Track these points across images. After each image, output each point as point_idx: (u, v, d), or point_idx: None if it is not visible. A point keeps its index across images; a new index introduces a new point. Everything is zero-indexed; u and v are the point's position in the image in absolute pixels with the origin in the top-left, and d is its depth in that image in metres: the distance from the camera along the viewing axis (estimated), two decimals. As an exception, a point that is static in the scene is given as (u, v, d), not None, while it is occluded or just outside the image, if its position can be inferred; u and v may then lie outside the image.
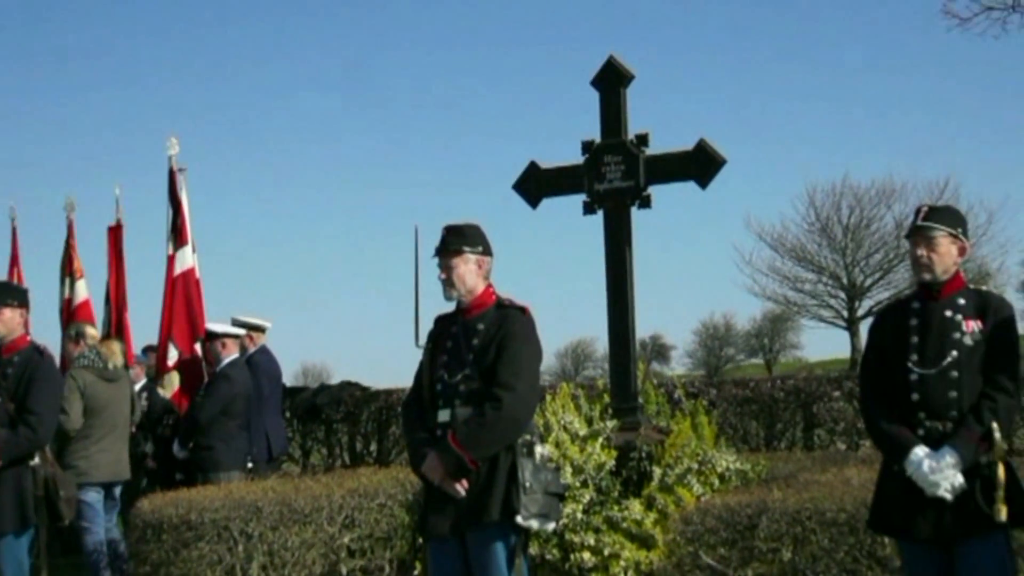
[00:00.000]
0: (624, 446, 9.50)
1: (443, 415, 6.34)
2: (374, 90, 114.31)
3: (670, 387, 12.86)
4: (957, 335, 5.81)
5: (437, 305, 6.69)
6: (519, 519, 6.14)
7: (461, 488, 6.21)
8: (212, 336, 11.62)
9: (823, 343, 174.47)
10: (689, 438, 9.58)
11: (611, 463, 9.32)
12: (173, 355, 13.01)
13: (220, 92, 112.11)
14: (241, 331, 11.89)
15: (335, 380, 19.05)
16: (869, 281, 57.00)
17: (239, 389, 11.33)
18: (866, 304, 55.91)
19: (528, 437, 6.33)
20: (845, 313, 57.50)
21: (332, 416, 16.41)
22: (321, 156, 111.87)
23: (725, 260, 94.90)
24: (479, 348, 6.37)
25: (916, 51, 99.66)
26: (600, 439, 9.51)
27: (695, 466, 9.33)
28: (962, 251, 5.99)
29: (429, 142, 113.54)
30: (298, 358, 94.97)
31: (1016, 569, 5.76)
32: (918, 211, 6.06)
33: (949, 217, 6.04)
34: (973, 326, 5.82)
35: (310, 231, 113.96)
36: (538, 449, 6.40)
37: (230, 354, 11.53)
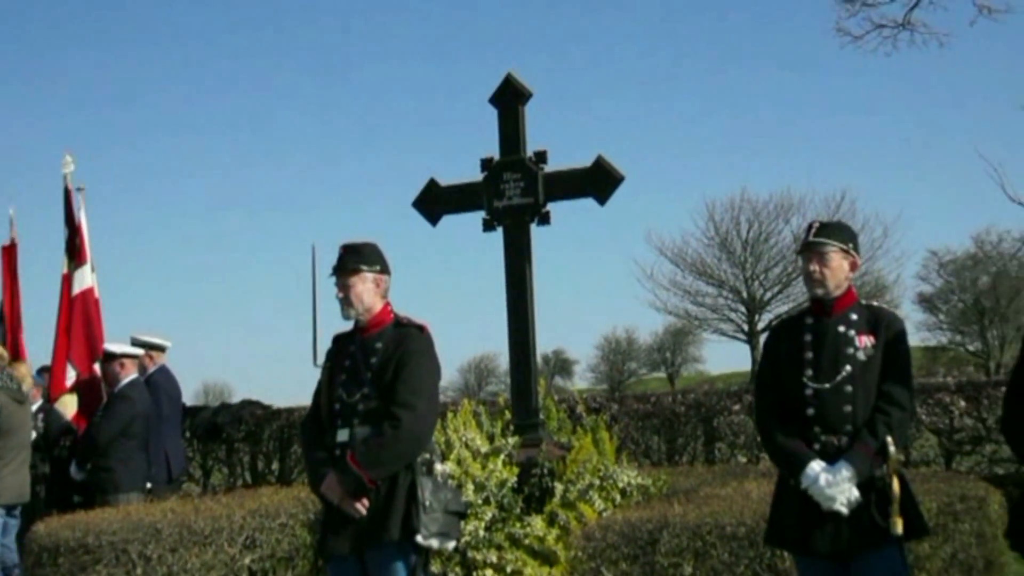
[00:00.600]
0: (526, 463, 9.51)
1: (342, 435, 6.28)
2: (273, 107, 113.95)
3: (571, 402, 12.90)
4: (850, 350, 5.85)
5: (336, 323, 6.66)
6: (419, 538, 6.10)
7: (361, 507, 6.17)
8: (110, 356, 11.44)
9: (724, 356, 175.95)
10: (590, 454, 9.60)
11: (513, 480, 9.32)
12: (71, 376, 12.81)
13: (119, 111, 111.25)
14: (140, 351, 11.73)
15: (236, 399, 18.90)
16: (768, 295, 57.62)
17: (138, 409, 11.17)
18: (766, 317, 56.48)
19: (427, 455, 6.30)
20: (745, 326, 58.06)
21: (233, 435, 16.27)
22: (220, 174, 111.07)
23: (627, 275, 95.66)
24: (377, 367, 6.33)
25: (812, 67, 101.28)
26: (502, 456, 9.50)
27: (596, 482, 9.35)
28: (853, 266, 6.04)
29: (328, 160, 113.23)
30: (199, 377, 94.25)
31: (910, 580, 5.81)
32: (809, 227, 6.10)
33: (840, 232, 6.08)
34: (866, 341, 5.87)
35: (209, 249, 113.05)
36: (438, 467, 6.38)
37: (129, 374, 11.37)
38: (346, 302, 6.45)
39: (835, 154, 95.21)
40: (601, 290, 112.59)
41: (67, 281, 13.06)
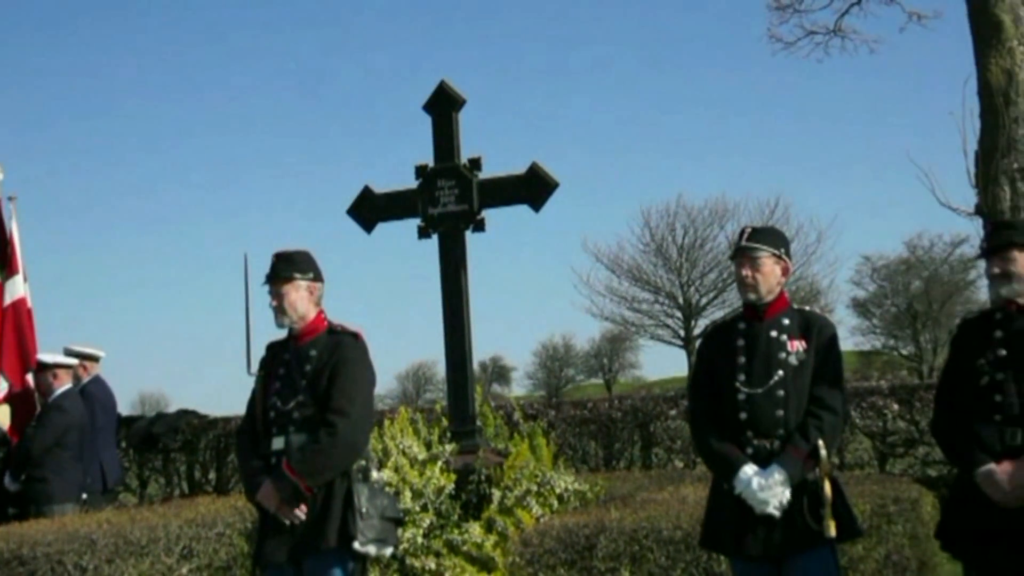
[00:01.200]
0: (463, 469, 9.50)
1: (277, 443, 6.28)
2: (205, 114, 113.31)
3: (508, 409, 12.91)
4: (782, 355, 5.89)
5: (270, 332, 6.64)
6: (356, 545, 6.11)
7: (300, 514, 6.15)
8: (44, 367, 11.34)
9: (661, 362, 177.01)
10: (528, 460, 9.60)
11: (450, 487, 9.31)
12: (3, 387, 12.64)
13: (49, 119, 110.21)
14: (74, 361, 11.63)
15: (172, 408, 18.78)
16: (704, 300, 57.73)
17: (73, 420, 11.08)
18: (702, 323, 56.58)
19: (363, 463, 6.30)
20: (682, 332, 58.15)
21: (169, 445, 16.14)
22: (152, 182, 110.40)
23: (563, 281, 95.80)
24: (312, 374, 6.32)
25: (746, 74, 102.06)
26: (439, 463, 9.49)
27: (534, 488, 9.35)
28: (785, 271, 6.08)
29: (260, 168, 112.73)
30: (135, 387, 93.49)
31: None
32: (742, 232, 6.14)
33: (772, 238, 6.13)
34: (798, 346, 5.91)
35: (143, 259, 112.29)
36: (374, 474, 6.40)
37: (63, 384, 11.27)
38: (279, 310, 6.44)
39: (770, 160, 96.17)
40: (538, 297, 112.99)
41: (-1, 291, 12.89)
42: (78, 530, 8.54)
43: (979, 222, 10.22)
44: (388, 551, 6.37)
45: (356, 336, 6.47)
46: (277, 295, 6.44)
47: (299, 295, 6.45)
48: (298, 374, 6.35)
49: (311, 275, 6.51)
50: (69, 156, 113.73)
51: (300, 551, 6.17)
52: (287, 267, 6.47)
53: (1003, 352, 5.69)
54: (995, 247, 5.76)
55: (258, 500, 6.25)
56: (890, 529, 8.24)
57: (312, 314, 6.49)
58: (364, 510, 6.15)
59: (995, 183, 9.81)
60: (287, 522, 6.16)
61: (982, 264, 5.95)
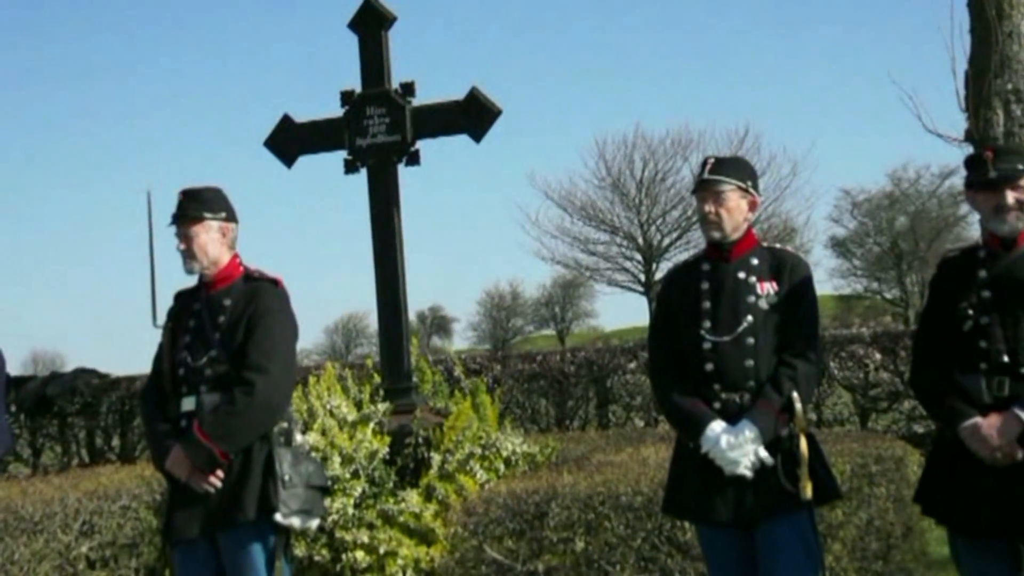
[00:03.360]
0: (398, 431, 9.54)
1: (187, 403, 6.26)
2: (98, 29, 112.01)
3: (449, 364, 12.94)
4: (752, 299, 5.91)
5: (178, 279, 6.61)
6: (278, 517, 6.10)
7: (215, 482, 6.15)
8: (-79, 322, 11.27)
9: (619, 310, 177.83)
10: (470, 420, 9.65)
11: (384, 451, 9.36)
12: None
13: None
14: (-45, 315, 11.55)
15: (69, 368, 18.71)
16: (667, 241, 57.88)
17: (-46, 381, 11.00)
18: (664, 266, 56.79)
19: (285, 425, 6.29)
20: (642, 277, 58.31)
21: (66, 408, 16.13)
22: (41, 111, 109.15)
23: (509, 222, 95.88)
24: (226, 326, 6.30)
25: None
26: (371, 424, 9.53)
27: (478, 451, 9.41)
28: (752, 205, 6.07)
29: (165, 93, 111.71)
30: (26, 345, 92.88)
31: (820, 547, 5.92)
32: (704, 163, 6.12)
33: (737, 169, 6.12)
34: (768, 288, 5.92)
35: (34, 198, 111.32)
36: (298, 438, 6.40)
37: (-57, 342, 11.20)
38: (188, 254, 6.40)
39: (737, 84, 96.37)
40: (481, 239, 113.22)
41: None
42: (-38, 504, 8.52)
43: (969, 149, 10.29)
44: (314, 523, 6.37)
45: (276, 283, 6.45)
46: (185, 237, 6.40)
47: (210, 237, 6.42)
48: (210, 326, 6.33)
49: (223, 215, 6.48)
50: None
51: (215, 524, 6.16)
52: (196, 206, 6.43)
53: (987, 294, 5.73)
54: (1007, 176, 5.77)
55: (167, 468, 6.23)
56: (872, 491, 8.35)
57: (225, 259, 6.47)
58: (287, 478, 6.15)
59: (987, 106, 9.87)
60: (200, 492, 6.16)
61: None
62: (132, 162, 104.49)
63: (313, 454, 6.79)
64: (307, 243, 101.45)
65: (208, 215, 6.42)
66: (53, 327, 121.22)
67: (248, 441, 6.14)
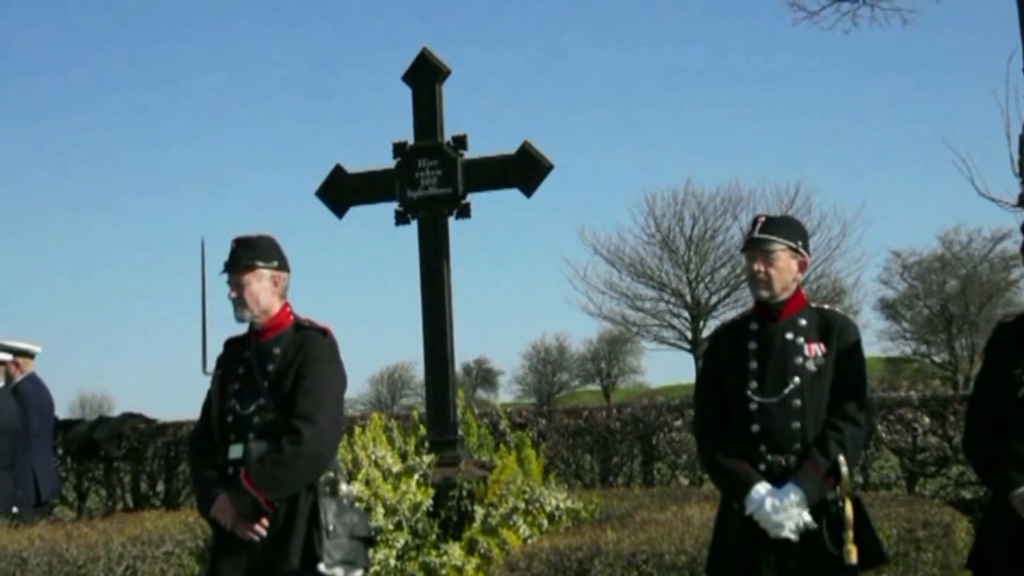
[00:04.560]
0: (442, 484, 9.53)
1: (235, 451, 6.27)
2: (158, 83, 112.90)
3: (494, 417, 12.93)
4: (799, 360, 5.91)
5: (229, 327, 6.64)
6: (321, 567, 6.11)
7: (260, 530, 6.16)
8: (-28, 362, 11.33)
9: (666, 367, 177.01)
10: (515, 474, 9.63)
11: (428, 503, 9.35)
12: (-74, 384, 12.58)
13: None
14: (6, 357, 11.62)
15: (116, 412, 18.76)
16: (715, 299, 57.79)
17: (3, 423, 11.09)
18: (711, 324, 56.53)
19: (331, 475, 6.30)
20: (689, 334, 58.16)
21: (112, 452, 16.13)
22: (97, 158, 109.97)
23: (557, 276, 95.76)
24: (275, 375, 6.33)
25: (763, 48, 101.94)
26: (416, 476, 9.52)
27: (521, 505, 9.39)
28: (802, 266, 6.07)
29: (221, 142, 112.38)
30: (74, 387, 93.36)
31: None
32: (755, 222, 6.14)
33: (788, 229, 6.13)
34: (816, 349, 5.92)
35: (87, 243, 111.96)
36: (343, 488, 6.38)
37: (-8, 383, 11.27)
38: (239, 302, 6.43)
39: (789, 144, 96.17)
40: (529, 293, 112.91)
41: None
42: (6, 547, 8.53)
43: (1024, 214, 10.24)
44: (357, 574, 6.37)
45: (325, 332, 6.47)
46: (237, 285, 6.43)
47: (261, 285, 6.45)
48: (259, 374, 6.36)
49: (275, 263, 6.52)
50: (2, 126, 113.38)
51: (258, 573, 6.16)
52: (249, 254, 6.47)
53: None
54: None
55: (212, 515, 6.24)
56: (919, 557, 8.29)
57: (276, 307, 6.50)
58: (331, 528, 6.16)
59: (1042, 171, 9.83)
60: (245, 540, 6.17)
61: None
62: (186, 208, 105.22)
63: (357, 504, 6.79)
64: (355, 293, 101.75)
65: (260, 263, 6.46)
66: (101, 370, 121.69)
67: (294, 490, 6.15)
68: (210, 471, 6.35)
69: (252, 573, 6.17)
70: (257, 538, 6.14)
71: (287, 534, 6.14)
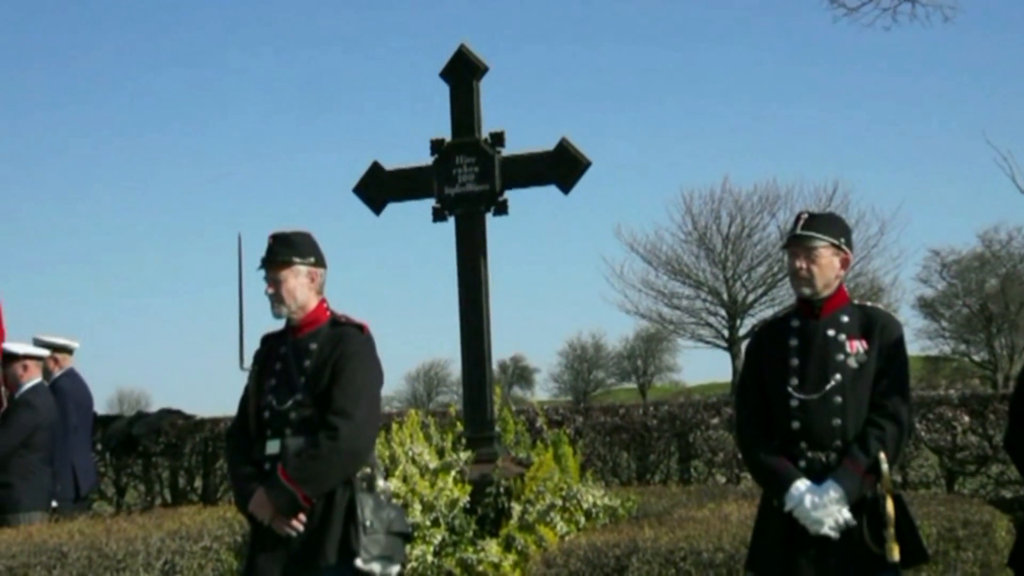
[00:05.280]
0: (479, 480, 9.52)
1: (272, 446, 6.29)
2: (195, 80, 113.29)
3: (531, 414, 12.91)
4: (840, 357, 5.88)
5: (266, 323, 6.64)
6: (359, 562, 6.11)
7: (297, 525, 6.16)
8: (11, 357, 11.31)
9: (702, 365, 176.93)
10: (552, 471, 9.62)
11: (465, 499, 9.34)
12: (-36, 380, 12.54)
13: (21, 88, 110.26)
14: (44, 352, 11.63)
15: (154, 407, 18.83)
16: (751, 297, 57.68)
17: (42, 418, 11.06)
18: (748, 322, 56.41)
19: (368, 470, 6.31)
20: (726, 332, 58.06)
21: (150, 448, 16.20)
22: (136, 152, 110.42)
23: (594, 273, 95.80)
24: (312, 371, 6.33)
25: (802, 45, 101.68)
26: (453, 472, 9.52)
27: (558, 502, 9.38)
28: (845, 263, 6.06)
29: (258, 139, 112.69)
30: (112, 383, 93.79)
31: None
32: (798, 218, 6.12)
33: (831, 226, 6.12)
34: (858, 346, 5.90)
35: (124, 238, 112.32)
36: (380, 484, 6.39)
37: (32, 378, 11.24)
38: (276, 298, 6.44)
39: (827, 141, 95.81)
40: (565, 290, 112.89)
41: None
42: (46, 541, 8.56)
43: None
44: (394, 570, 6.37)
45: (362, 328, 6.47)
46: (274, 281, 6.44)
47: (298, 282, 6.45)
48: (296, 370, 6.36)
49: (312, 259, 6.52)
50: (42, 126, 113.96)
51: (295, 568, 6.17)
52: (286, 250, 6.47)
53: None
54: None
55: (250, 510, 6.26)
56: (959, 556, 8.23)
57: (313, 303, 6.50)
58: (368, 523, 6.16)
59: (1084, 168, 9.74)
60: (282, 535, 6.17)
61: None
62: (223, 204, 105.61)
63: (394, 500, 6.79)
64: (391, 290, 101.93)
65: (297, 259, 6.46)
66: (139, 366, 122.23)
67: (331, 485, 6.16)
68: (247, 467, 6.37)
69: (289, 568, 6.19)
70: (294, 533, 6.16)
71: (324, 529, 6.15)
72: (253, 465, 6.35)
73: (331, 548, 6.12)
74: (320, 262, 6.57)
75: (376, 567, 6.17)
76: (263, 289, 6.50)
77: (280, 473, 6.13)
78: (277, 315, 6.51)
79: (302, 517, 6.15)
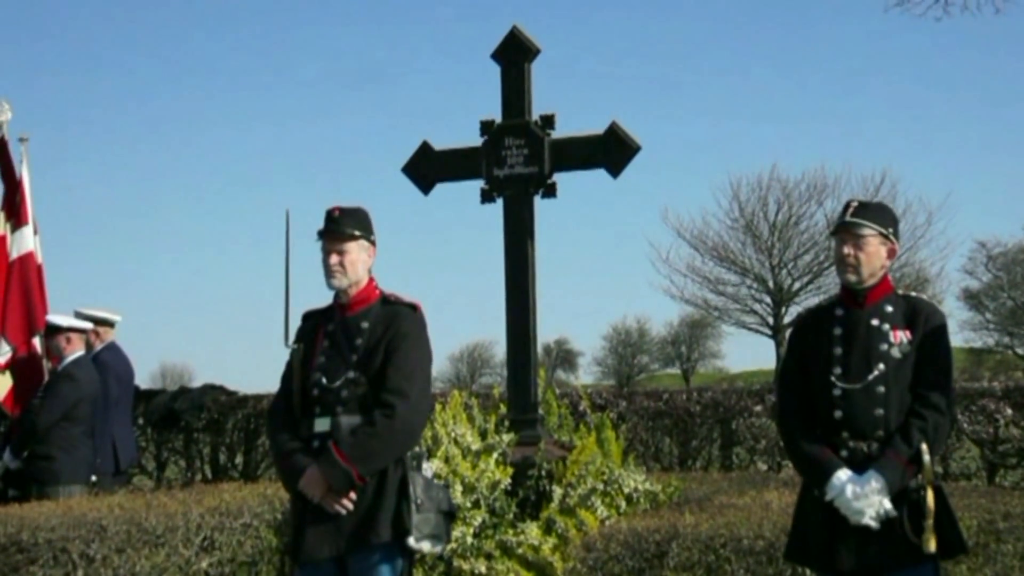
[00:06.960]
0: (521, 463, 9.56)
1: (321, 424, 6.33)
2: (243, 54, 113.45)
3: (574, 398, 12.96)
4: (884, 346, 5.92)
5: (313, 298, 6.68)
6: (410, 540, 6.19)
7: (348, 504, 6.21)
8: (55, 329, 11.38)
9: (746, 352, 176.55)
10: (594, 455, 9.65)
11: (506, 481, 9.38)
12: (5, 352, 12.51)
13: (62, 53, 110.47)
14: (87, 325, 11.69)
15: (197, 383, 18.95)
16: (797, 285, 57.44)
17: (84, 391, 11.12)
18: (793, 311, 56.21)
19: (418, 449, 6.40)
20: (770, 320, 57.90)
21: (192, 424, 16.31)
22: (183, 127, 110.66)
23: (640, 258, 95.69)
24: (364, 349, 6.39)
25: (852, 33, 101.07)
26: (495, 454, 9.56)
27: (600, 486, 9.41)
28: (892, 253, 6.09)
29: (306, 117, 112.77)
30: (156, 357, 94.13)
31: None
32: (847, 206, 6.15)
33: (880, 215, 6.14)
34: (901, 336, 5.93)
35: (168, 213, 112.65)
36: (425, 464, 6.44)
37: (75, 351, 11.31)
38: (338, 269, 6.46)
39: (876, 131, 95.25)
40: (611, 274, 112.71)
41: (3, 243, 12.81)
42: (86, 515, 8.57)
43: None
44: (440, 548, 6.46)
45: (415, 308, 6.54)
46: (339, 252, 6.46)
47: (361, 256, 6.52)
48: (347, 348, 6.41)
49: (372, 237, 6.62)
50: (87, 95, 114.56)
51: (347, 546, 6.22)
52: (352, 223, 6.53)
53: None
54: None
55: (300, 487, 6.28)
56: (999, 548, 8.22)
57: (365, 280, 6.57)
58: (419, 502, 6.23)
59: None
60: (333, 513, 6.21)
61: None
62: (270, 180, 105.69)
63: (437, 481, 6.83)
64: (437, 270, 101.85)
65: (360, 233, 6.53)
66: (183, 341, 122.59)
67: (385, 464, 6.22)
68: (294, 442, 6.39)
69: (341, 545, 6.24)
70: (343, 511, 6.21)
71: (377, 507, 6.21)
72: (299, 441, 6.39)
73: (384, 525, 6.18)
74: (374, 241, 6.64)
75: (426, 545, 6.25)
76: (322, 260, 6.53)
77: (335, 450, 6.19)
78: (335, 286, 6.53)
79: (352, 495, 6.21)
